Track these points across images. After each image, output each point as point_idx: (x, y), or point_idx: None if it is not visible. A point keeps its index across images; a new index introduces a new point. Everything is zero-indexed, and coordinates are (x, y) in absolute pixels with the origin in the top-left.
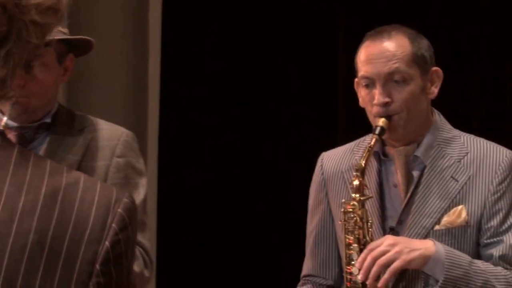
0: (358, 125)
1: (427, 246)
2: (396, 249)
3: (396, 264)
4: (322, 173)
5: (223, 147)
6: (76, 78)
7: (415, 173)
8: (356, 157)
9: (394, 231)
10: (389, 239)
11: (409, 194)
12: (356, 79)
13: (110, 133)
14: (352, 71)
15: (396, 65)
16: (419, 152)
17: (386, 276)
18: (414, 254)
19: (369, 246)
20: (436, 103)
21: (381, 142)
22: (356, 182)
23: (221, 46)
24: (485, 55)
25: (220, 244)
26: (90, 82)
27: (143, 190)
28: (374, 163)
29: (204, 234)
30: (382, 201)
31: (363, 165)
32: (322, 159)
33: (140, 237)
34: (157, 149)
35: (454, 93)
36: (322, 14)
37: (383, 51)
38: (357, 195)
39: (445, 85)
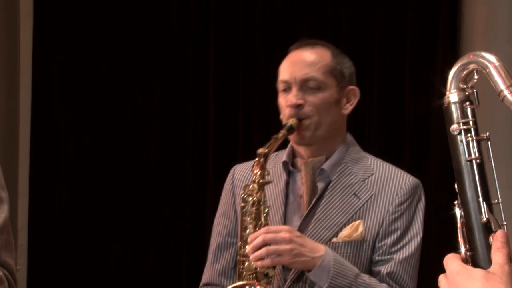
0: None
1: (316, 255)
2: (288, 246)
3: (280, 259)
4: (232, 182)
5: (98, 161)
6: None
7: (320, 186)
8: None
9: None
10: (286, 232)
11: (310, 206)
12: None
13: None
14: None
15: (313, 72)
16: (326, 166)
17: (265, 262)
18: (299, 259)
19: (267, 228)
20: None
21: (292, 154)
22: (257, 168)
23: (97, 44)
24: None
25: (94, 260)
26: None
27: (7, 205)
28: (283, 174)
29: (78, 249)
30: (285, 210)
31: (266, 150)
32: (234, 170)
33: (6, 257)
34: (29, 163)
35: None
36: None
37: (303, 58)
38: (257, 178)
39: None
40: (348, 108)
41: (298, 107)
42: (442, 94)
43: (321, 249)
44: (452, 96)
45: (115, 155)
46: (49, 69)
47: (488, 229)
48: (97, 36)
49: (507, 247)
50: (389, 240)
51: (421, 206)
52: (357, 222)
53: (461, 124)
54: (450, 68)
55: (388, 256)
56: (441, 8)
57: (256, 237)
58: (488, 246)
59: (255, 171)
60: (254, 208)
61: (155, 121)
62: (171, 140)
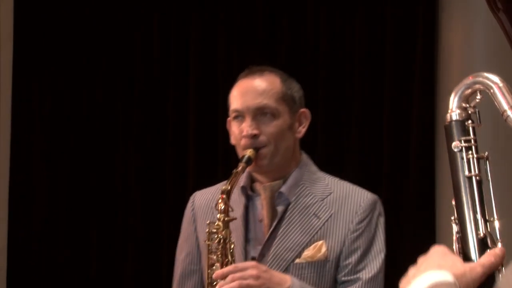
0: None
1: (285, 286)
2: (257, 282)
3: None
4: (193, 209)
5: (77, 184)
6: None
7: (280, 209)
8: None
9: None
10: (254, 268)
11: (272, 228)
12: (228, 118)
13: None
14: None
15: (266, 100)
16: (284, 189)
17: None
18: None
19: (234, 266)
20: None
21: (250, 178)
22: (221, 204)
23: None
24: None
25: (74, 283)
26: None
27: None
28: (242, 198)
29: (58, 272)
30: (246, 235)
31: (228, 187)
32: (194, 197)
33: None
34: (8, 186)
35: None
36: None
37: (254, 87)
38: (222, 216)
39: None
40: (301, 131)
41: (253, 137)
42: (422, 117)
43: (287, 280)
44: (454, 114)
45: (94, 178)
46: (29, 91)
47: (484, 245)
48: (76, 58)
49: (499, 260)
50: (353, 258)
51: (381, 221)
52: (320, 242)
53: (462, 141)
54: (428, 94)
55: (355, 276)
56: (418, 36)
57: (223, 273)
58: None
59: (219, 206)
60: (220, 246)
61: (134, 138)
62: (151, 156)
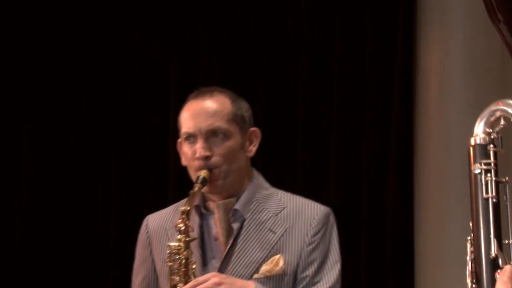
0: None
1: None
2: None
3: None
4: (147, 232)
5: (58, 205)
6: None
7: (235, 226)
8: (179, 215)
9: None
10: (215, 277)
11: (228, 246)
12: (179, 140)
13: None
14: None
15: (218, 122)
16: (238, 206)
17: None
18: None
19: (195, 280)
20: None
21: (202, 197)
22: (181, 225)
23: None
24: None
25: None
26: None
27: None
28: (195, 218)
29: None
30: (204, 254)
31: (188, 208)
32: (147, 220)
33: None
34: None
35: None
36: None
37: (205, 108)
38: (182, 236)
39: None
40: (252, 150)
41: (206, 158)
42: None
43: (250, 284)
44: (478, 138)
45: (76, 187)
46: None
47: (495, 265)
48: (61, 64)
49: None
50: (310, 270)
51: (335, 233)
52: (277, 256)
53: (482, 164)
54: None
55: None
56: (396, 54)
57: None
58: (493, 281)
59: (179, 227)
60: (182, 267)
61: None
62: (134, 163)
